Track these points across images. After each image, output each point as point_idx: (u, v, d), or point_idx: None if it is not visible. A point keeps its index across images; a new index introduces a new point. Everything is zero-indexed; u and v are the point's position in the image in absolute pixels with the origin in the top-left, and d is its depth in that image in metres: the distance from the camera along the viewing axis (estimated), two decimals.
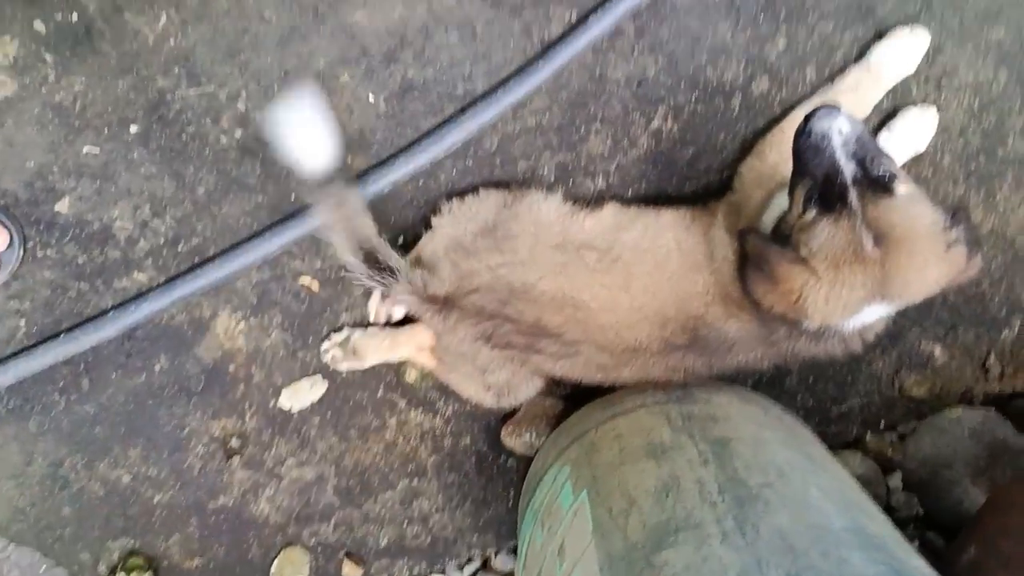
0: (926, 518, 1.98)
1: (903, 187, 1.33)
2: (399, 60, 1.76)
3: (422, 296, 1.61)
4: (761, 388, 1.94)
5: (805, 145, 1.34)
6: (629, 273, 1.60)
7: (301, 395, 1.87)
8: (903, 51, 1.74)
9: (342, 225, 1.57)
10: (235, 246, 1.81)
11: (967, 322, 1.95)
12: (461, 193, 1.79)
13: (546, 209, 1.69)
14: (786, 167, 1.44)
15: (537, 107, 1.80)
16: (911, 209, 1.31)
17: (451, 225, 1.69)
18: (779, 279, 1.36)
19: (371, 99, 1.78)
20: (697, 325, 1.57)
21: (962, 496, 1.93)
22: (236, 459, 1.90)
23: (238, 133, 1.77)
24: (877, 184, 1.30)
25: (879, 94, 1.77)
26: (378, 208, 1.82)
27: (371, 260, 1.59)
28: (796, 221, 1.40)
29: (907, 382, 1.98)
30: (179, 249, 1.81)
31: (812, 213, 1.35)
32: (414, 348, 1.77)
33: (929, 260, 1.31)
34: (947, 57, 1.80)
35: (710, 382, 1.71)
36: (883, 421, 2.00)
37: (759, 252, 1.40)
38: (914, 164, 1.84)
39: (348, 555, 1.96)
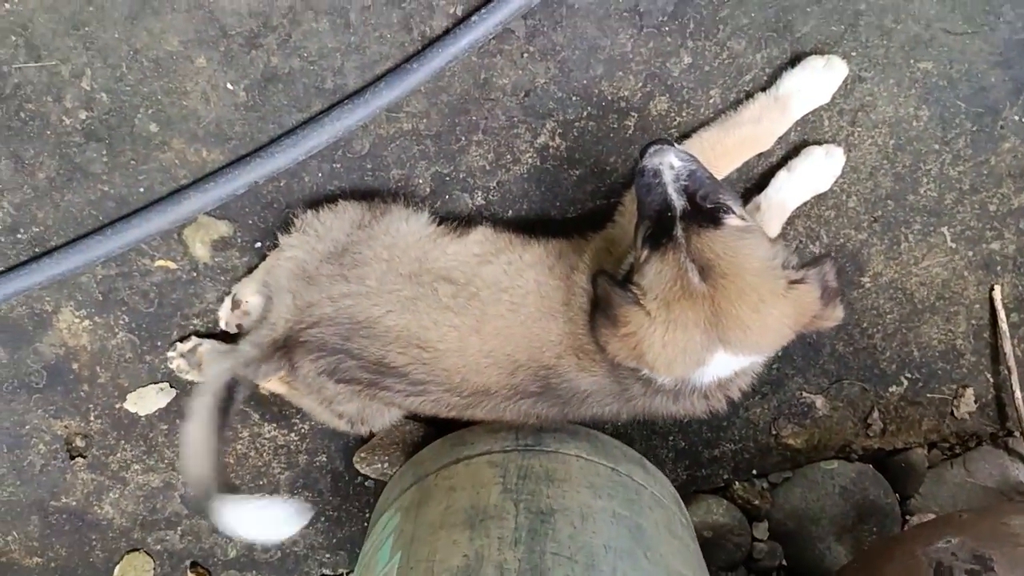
0: (790, 568, 1.94)
1: (733, 220, 1.26)
2: (262, 46, 1.58)
3: (264, 358, 1.50)
4: (632, 426, 1.85)
5: (640, 184, 1.29)
6: (483, 313, 1.48)
7: (147, 400, 1.77)
8: (815, 84, 1.58)
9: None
10: (77, 240, 1.67)
11: (854, 375, 1.86)
12: (326, 199, 1.66)
13: (406, 231, 1.56)
14: None
15: (414, 110, 1.63)
16: (738, 241, 1.24)
17: (300, 245, 1.55)
18: (619, 322, 1.29)
19: (230, 87, 1.60)
20: (548, 375, 1.47)
21: (825, 552, 1.89)
22: (80, 460, 1.82)
23: (83, 115, 1.61)
24: (704, 216, 1.24)
25: (784, 127, 1.62)
26: (234, 209, 1.68)
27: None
28: (636, 263, 1.32)
29: (784, 431, 1.90)
30: (18, 237, 1.67)
31: (645, 252, 1.28)
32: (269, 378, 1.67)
33: (764, 297, 1.22)
34: (867, 88, 1.65)
35: (566, 426, 1.63)
36: (756, 468, 1.93)
37: (606, 295, 1.31)
38: (815, 204, 1.71)
39: (193, 565, 1.90)
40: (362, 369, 1.50)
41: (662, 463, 1.90)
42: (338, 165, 1.66)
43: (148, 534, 1.88)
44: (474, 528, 1.33)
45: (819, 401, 1.87)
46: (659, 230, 1.26)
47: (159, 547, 1.90)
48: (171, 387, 1.78)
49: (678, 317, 1.24)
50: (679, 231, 1.23)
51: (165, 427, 1.81)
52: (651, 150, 1.30)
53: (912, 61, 1.63)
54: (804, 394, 1.87)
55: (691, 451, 1.91)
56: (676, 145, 1.33)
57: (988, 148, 1.70)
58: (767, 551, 1.92)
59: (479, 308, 1.48)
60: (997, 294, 1.81)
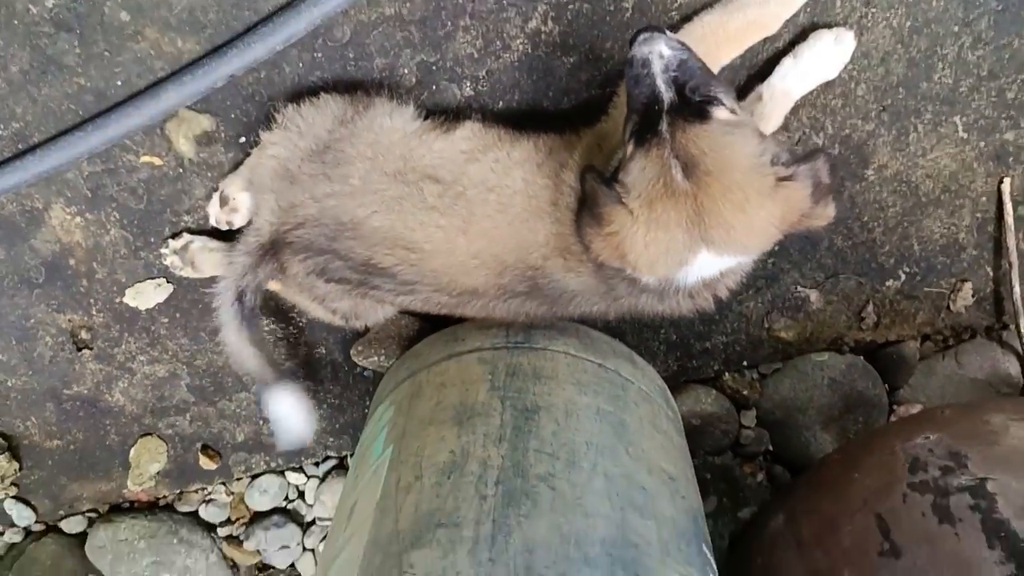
0: (775, 454, 2.01)
1: (722, 113, 1.21)
2: None
3: (258, 263, 1.51)
4: (624, 320, 1.85)
5: (629, 75, 1.23)
6: (470, 213, 1.46)
7: (146, 295, 1.79)
8: None
9: None
10: (59, 136, 1.63)
11: (851, 269, 1.83)
12: (308, 91, 1.60)
13: (390, 127, 1.51)
14: None
15: None
16: (725, 136, 1.19)
17: (281, 142, 1.51)
18: (603, 221, 1.26)
19: None
20: (536, 275, 1.47)
21: (810, 440, 1.94)
22: (87, 351, 1.87)
23: (50, 3, 1.53)
24: (692, 110, 1.19)
25: (793, 9, 1.51)
26: (215, 103, 1.63)
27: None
28: (622, 160, 1.28)
29: (777, 324, 1.90)
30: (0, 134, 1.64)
31: (630, 148, 1.24)
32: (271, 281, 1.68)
33: (750, 196, 1.18)
34: None
35: (557, 323, 1.64)
36: (746, 360, 1.95)
37: (592, 192, 1.28)
38: (822, 92, 1.62)
39: (204, 448, 2.00)
40: (350, 269, 1.50)
41: (653, 355, 1.92)
42: (319, 54, 1.59)
43: (159, 420, 1.97)
44: (461, 425, 1.37)
45: (813, 295, 1.86)
46: (645, 124, 1.21)
47: (170, 431, 1.99)
48: (168, 282, 1.79)
49: (660, 216, 1.21)
50: (664, 126, 1.19)
51: (166, 320, 1.84)
52: (640, 38, 1.23)
53: None
54: (799, 288, 1.86)
55: (682, 343, 1.93)
56: (668, 32, 1.25)
57: (1012, 30, 1.58)
58: (754, 437, 1.98)
59: (466, 208, 1.46)
60: (1006, 186, 1.75)
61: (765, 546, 1.62)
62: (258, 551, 2.18)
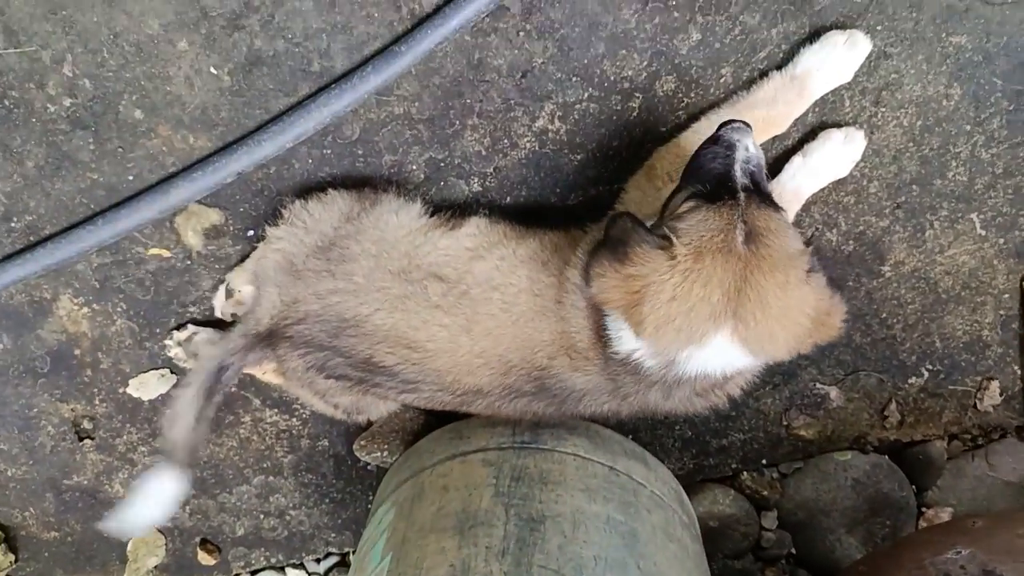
0: (798, 558, 1.91)
1: (784, 215, 1.28)
2: (244, 27, 1.51)
3: (249, 348, 1.48)
4: (638, 417, 1.81)
5: (708, 150, 1.28)
6: (474, 312, 1.43)
7: (149, 386, 1.78)
8: (836, 62, 1.46)
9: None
10: (70, 229, 1.65)
11: (871, 366, 1.77)
12: (317, 187, 1.61)
13: (396, 224, 1.50)
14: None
15: (405, 93, 1.56)
16: (786, 228, 1.24)
17: (287, 237, 1.51)
18: (630, 260, 1.20)
19: (213, 71, 1.54)
20: (542, 375, 1.43)
21: (835, 544, 1.84)
22: (88, 441, 1.85)
23: (67, 102, 1.56)
24: (764, 198, 1.25)
25: (801, 108, 1.51)
26: (225, 197, 1.64)
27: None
28: (667, 217, 1.28)
29: (796, 422, 1.83)
30: (11, 226, 1.66)
31: (689, 204, 1.23)
32: (255, 367, 1.66)
33: (791, 280, 1.18)
34: (893, 65, 1.51)
35: (566, 420, 1.59)
36: (765, 458, 1.87)
37: (623, 233, 1.23)
38: (834, 189, 1.60)
39: (203, 542, 1.94)
40: (350, 367, 1.48)
41: (668, 452, 1.86)
42: (328, 151, 1.60)
43: None
44: (463, 535, 1.31)
45: (833, 392, 1.80)
46: (719, 190, 1.22)
47: (169, 524, 1.94)
48: (172, 373, 1.78)
49: (705, 268, 1.16)
50: (742, 196, 1.21)
51: (168, 411, 1.82)
52: (733, 125, 1.29)
53: (944, 35, 1.49)
54: (818, 385, 1.80)
55: (698, 440, 1.86)
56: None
57: None
58: (775, 540, 1.89)
59: (469, 307, 1.43)
60: None
61: None
62: None
